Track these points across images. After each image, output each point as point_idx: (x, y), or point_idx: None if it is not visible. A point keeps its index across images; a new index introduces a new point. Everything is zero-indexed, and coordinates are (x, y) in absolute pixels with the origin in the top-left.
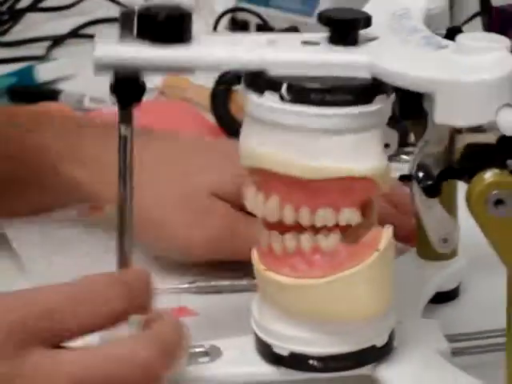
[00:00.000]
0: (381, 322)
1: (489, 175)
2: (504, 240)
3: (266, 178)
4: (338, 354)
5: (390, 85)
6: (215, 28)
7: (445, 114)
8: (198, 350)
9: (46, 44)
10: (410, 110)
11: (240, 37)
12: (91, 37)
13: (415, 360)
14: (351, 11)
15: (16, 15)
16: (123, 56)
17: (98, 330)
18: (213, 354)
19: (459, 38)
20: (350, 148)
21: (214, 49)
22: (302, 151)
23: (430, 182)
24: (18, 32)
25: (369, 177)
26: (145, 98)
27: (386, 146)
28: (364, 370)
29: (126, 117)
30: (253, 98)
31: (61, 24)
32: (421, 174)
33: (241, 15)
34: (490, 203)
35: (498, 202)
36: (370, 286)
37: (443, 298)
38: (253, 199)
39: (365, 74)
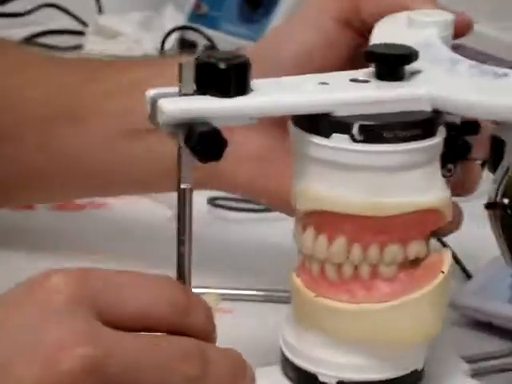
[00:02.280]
0: (423, 345)
1: None
2: None
3: (330, 220)
4: (388, 380)
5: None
6: (163, 46)
7: None
8: None
9: None
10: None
11: (291, 80)
12: (45, 46)
13: (449, 383)
14: (395, 46)
15: None
16: (197, 110)
17: (154, 322)
18: None
19: None
20: (419, 182)
21: (278, 96)
22: (374, 189)
23: None
24: None
25: (436, 208)
26: None
27: (449, 170)
28: None
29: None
30: (317, 140)
31: (14, 32)
32: (507, 201)
33: (189, 35)
34: None
35: None
36: (434, 308)
37: None
38: (312, 242)
39: (424, 107)
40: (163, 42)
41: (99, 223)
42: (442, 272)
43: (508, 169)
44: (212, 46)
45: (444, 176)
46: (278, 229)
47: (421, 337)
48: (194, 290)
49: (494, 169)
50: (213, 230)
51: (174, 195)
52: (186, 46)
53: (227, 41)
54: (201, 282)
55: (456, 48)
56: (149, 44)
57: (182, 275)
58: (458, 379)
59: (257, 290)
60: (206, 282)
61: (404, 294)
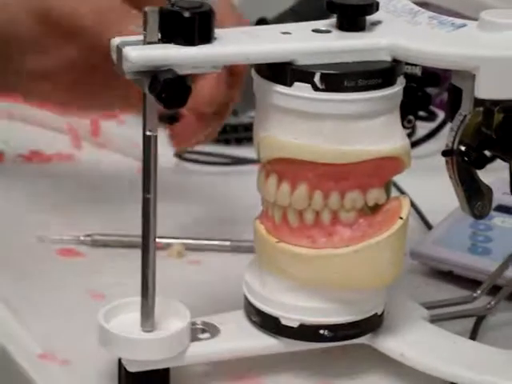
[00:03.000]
0: (382, 290)
1: None
2: None
3: (292, 168)
4: (348, 323)
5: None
6: None
7: (489, 88)
8: (194, 326)
9: None
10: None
11: (254, 30)
12: None
13: (410, 327)
14: None
15: None
16: (161, 57)
17: None
18: (211, 330)
19: (482, 15)
20: (379, 130)
21: (241, 45)
22: (335, 137)
23: (475, 154)
24: None
25: (396, 156)
26: None
27: (409, 121)
28: (363, 340)
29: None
30: (279, 89)
31: None
32: (463, 148)
33: None
34: None
35: None
36: (393, 253)
37: None
38: (275, 190)
39: (385, 57)
40: None
41: (66, 176)
42: (401, 218)
43: (465, 117)
44: None
45: (405, 127)
46: (244, 181)
47: (380, 281)
48: (160, 240)
49: (451, 117)
50: (179, 183)
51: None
52: None
53: None
54: (167, 233)
55: (421, 5)
56: None
57: (147, 221)
58: (417, 324)
59: (223, 240)
60: (173, 233)
61: (363, 240)
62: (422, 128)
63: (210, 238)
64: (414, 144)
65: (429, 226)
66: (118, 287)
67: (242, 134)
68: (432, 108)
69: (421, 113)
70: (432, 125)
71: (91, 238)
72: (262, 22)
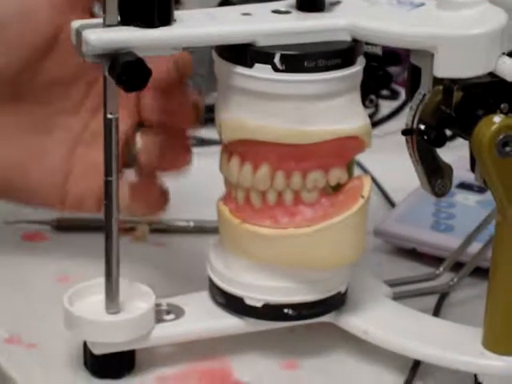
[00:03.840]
0: (346, 269)
1: (497, 119)
2: (507, 179)
3: (254, 149)
4: (311, 302)
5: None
6: None
7: (447, 67)
8: (159, 308)
9: None
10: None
11: (214, 11)
12: None
13: (373, 305)
14: None
15: None
16: (121, 40)
17: None
18: (175, 311)
19: None
20: (340, 110)
21: (202, 27)
22: (296, 118)
23: (435, 133)
24: None
25: (357, 135)
26: None
27: (371, 101)
28: (327, 318)
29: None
30: (240, 70)
31: None
32: (423, 127)
33: None
34: (498, 145)
35: (505, 144)
36: (355, 232)
37: None
38: (237, 171)
39: (344, 37)
40: None
41: None
42: (362, 197)
43: (424, 96)
44: None
45: (366, 106)
46: (207, 162)
47: (342, 260)
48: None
49: (411, 96)
50: None
51: None
52: None
53: None
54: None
55: None
56: None
57: (110, 204)
58: (381, 301)
59: (186, 220)
60: None
61: (326, 219)
62: (386, 107)
63: (173, 219)
64: (378, 122)
65: (392, 204)
66: (83, 270)
67: (205, 114)
68: (395, 87)
69: (384, 91)
70: (395, 103)
71: (56, 221)
72: (225, 3)
